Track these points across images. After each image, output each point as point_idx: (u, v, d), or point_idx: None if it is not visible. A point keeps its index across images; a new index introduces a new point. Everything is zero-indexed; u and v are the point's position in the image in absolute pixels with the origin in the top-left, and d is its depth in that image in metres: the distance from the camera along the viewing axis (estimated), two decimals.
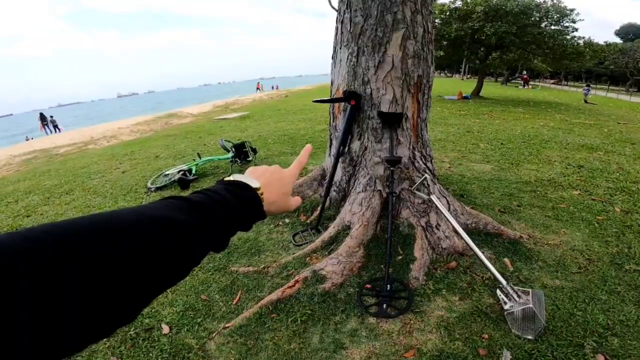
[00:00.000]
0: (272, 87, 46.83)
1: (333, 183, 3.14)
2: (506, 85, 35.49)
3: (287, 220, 3.37)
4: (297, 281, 2.40)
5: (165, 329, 2.20)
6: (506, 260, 2.55)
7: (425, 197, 2.49)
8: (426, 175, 2.52)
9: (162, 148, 7.60)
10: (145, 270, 0.33)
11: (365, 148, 2.79)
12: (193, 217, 0.40)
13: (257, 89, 36.68)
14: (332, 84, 3.07)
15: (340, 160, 2.96)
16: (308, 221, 3.27)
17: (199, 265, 2.85)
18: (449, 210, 2.76)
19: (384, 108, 2.64)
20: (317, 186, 3.48)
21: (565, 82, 47.31)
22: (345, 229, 2.74)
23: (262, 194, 0.51)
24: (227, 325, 2.17)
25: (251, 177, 0.53)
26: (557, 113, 11.49)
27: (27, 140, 15.81)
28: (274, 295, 2.32)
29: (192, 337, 2.11)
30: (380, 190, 2.75)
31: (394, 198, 2.58)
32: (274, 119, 10.30)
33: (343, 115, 2.83)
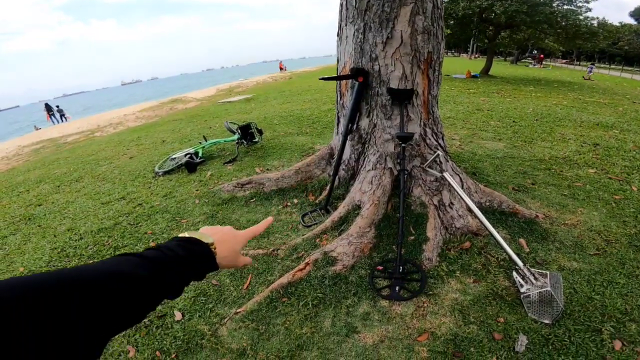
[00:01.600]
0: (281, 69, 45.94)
1: (342, 161, 3.07)
2: (516, 64, 34.58)
3: (295, 201, 3.32)
4: (307, 264, 2.37)
5: (178, 315, 2.20)
6: (522, 240, 2.48)
7: (438, 174, 2.41)
8: (438, 152, 2.44)
9: (168, 133, 7.55)
10: (104, 317, 0.39)
11: (375, 125, 2.70)
12: (148, 271, 0.46)
13: (280, 68, 35.59)
14: (338, 62, 2.97)
15: (348, 138, 2.88)
16: (317, 201, 3.22)
17: None
18: (462, 188, 2.68)
19: (393, 85, 2.54)
20: (325, 165, 3.41)
21: (578, 62, 45.89)
22: (356, 209, 2.68)
23: (214, 248, 0.58)
24: (238, 311, 2.15)
25: (205, 233, 0.60)
26: (570, 92, 11.14)
27: (35, 129, 15.83)
28: (284, 279, 2.29)
29: (205, 323, 2.10)
30: (390, 168, 2.67)
31: (405, 176, 2.51)
32: (278, 101, 10.14)
33: (350, 92, 2.73)
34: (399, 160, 2.53)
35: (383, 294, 2.15)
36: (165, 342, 2.01)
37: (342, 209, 2.72)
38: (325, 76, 2.70)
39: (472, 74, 15.82)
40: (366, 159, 2.81)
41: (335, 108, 3.13)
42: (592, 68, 21.78)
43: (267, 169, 4.27)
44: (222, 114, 9.04)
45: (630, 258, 2.33)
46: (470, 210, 2.21)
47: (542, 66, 32.60)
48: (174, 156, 4.97)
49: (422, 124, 2.68)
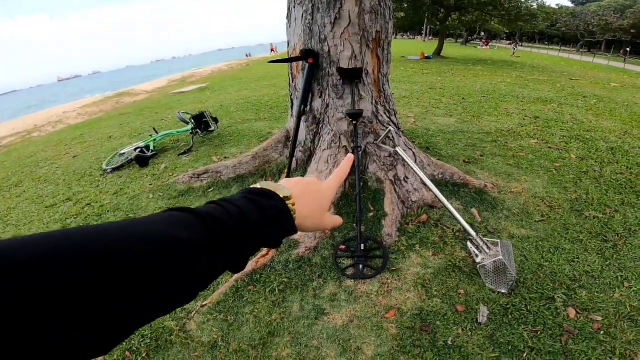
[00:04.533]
0: (246, 55, 45.02)
1: (298, 143, 3.05)
2: (466, 45, 36.23)
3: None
4: (269, 249, 2.34)
5: None
6: (474, 210, 2.62)
7: (391, 149, 2.46)
8: (390, 127, 2.48)
9: (115, 128, 7.05)
10: (132, 298, 0.28)
11: (327, 105, 2.70)
12: (201, 233, 0.33)
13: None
14: (288, 44, 2.92)
15: (303, 119, 2.85)
16: None
17: None
18: (415, 162, 2.77)
19: (344, 64, 2.54)
20: (282, 148, 3.37)
21: (520, 44, 48.83)
22: None
23: (293, 204, 0.43)
24: (204, 303, 2.09)
25: (282, 185, 0.45)
26: (513, 71, 11.90)
27: None
28: (248, 267, 2.25)
29: (171, 319, 2.02)
30: (345, 146, 2.70)
31: (359, 152, 2.53)
32: (235, 88, 9.82)
33: (302, 74, 2.70)
34: (352, 138, 2.55)
35: (348, 274, 2.17)
36: (133, 342, 1.91)
37: None
38: (276, 59, 2.63)
39: (425, 55, 16.37)
40: (321, 138, 2.81)
41: (289, 91, 3.08)
42: (515, 47, 25.98)
43: (225, 157, 4.14)
44: (174, 105, 8.59)
45: (573, 223, 2.51)
46: (424, 183, 2.27)
47: (488, 47, 34.66)
48: (123, 151, 4.66)
49: (373, 101, 2.72)
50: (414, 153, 2.83)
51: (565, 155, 3.62)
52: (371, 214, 2.53)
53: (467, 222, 2.40)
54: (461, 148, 3.87)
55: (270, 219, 0.40)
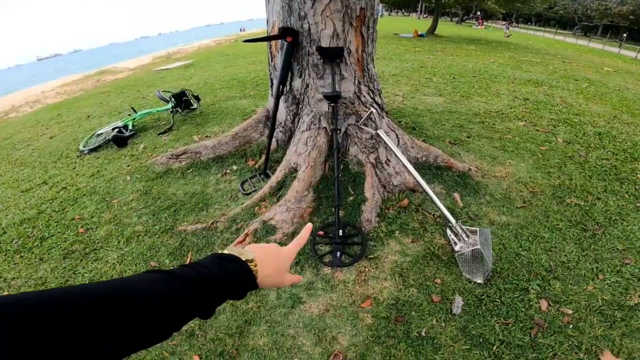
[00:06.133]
0: (240, 30, 43.84)
1: (278, 124, 2.95)
2: (460, 24, 35.55)
3: (234, 168, 3.16)
4: (247, 235, 2.28)
5: None
6: (456, 195, 2.57)
7: (373, 132, 2.37)
8: (372, 109, 2.38)
9: (94, 107, 6.76)
10: (120, 337, 0.36)
11: (307, 85, 2.57)
12: (173, 290, 0.43)
13: (241, 30, 34.61)
14: (267, 22, 2.75)
15: (282, 99, 2.74)
16: (256, 166, 3.09)
17: (145, 229, 2.65)
18: (397, 145, 2.69)
19: (324, 43, 2.40)
20: (262, 128, 3.26)
21: (516, 24, 48.01)
22: (293, 172, 2.60)
23: (255, 265, 0.53)
24: None
25: (246, 250, 0.55)
26: (506, 51, 11.68)
27: None
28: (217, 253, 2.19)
29: None
30: (325, 128, 2.59)
31: (339, 135, 2.45)
32: (221, 65, 9.46)
33: (281, 53, 2.55)
34: (332, 120, 2.45)
35: (325, 261, 2.13)
36: None
37: (279, 173, 2.63)
38: (252, 38, 2.47)
39: (419, 33, 16.02)
40: (300, 119, 2.70)
41: (268, 70, 2.93)
42: (507, 27, 25.67)
43: (207, 136, 4.01)
44: (157, 82, 8.27)
45: (554, 210, 2.48)
46: (406, 167, 2.21)
47: (483, 27, 34.12)
48: (100, 131, 4.48)
49: (356, 82, 2.59)
50: (397, 135, 2.74)
51: (552, 139, 3.58)
52: (351, 197, 2.47)
53: (448, 208, 2.37)
54: (448, 129, 3.80)
55: (234, 279, 0.50)
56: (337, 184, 2.19)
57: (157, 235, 2.57)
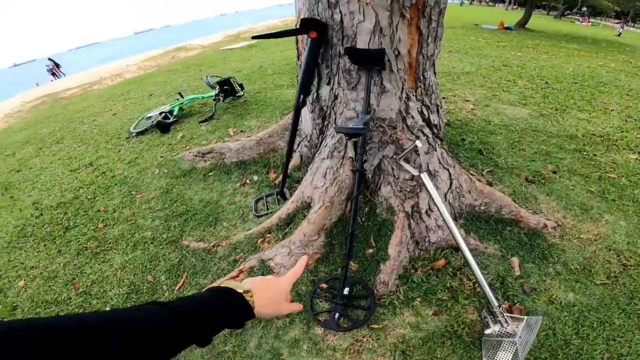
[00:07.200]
0: None
1: (304, 137, 2.54)
2: (560, 19, 29.81)
3: (255, 178, 2.87)
4: (241, 271, 1.97)
5: None
6: (514, 260, 1.92)
7: (415, 172, 1.81)
8: (418, 142, 1.78)
9: (159, 85, 6.98)
10: None
11: (336, 97, 2.04)
12: (171, 322, 0.47)
13: None
14: (296, 12, 2.23)
15: (309, 108, 2.29)
16: (277, 181, 2.74)
17: (153, 237, 2.48)
18: (449, 188, 2.08)
19: (362, 41, 1.80)
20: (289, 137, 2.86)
21: (632, 24, 38.55)
22: (305, 207, 2.16)
23: (251, 296, 0.58)
24: None
25: (243, 282, 0.61)
26: (620, 53, 9.27)
27: (37, 86, 14.97)
28: (214, 285, 1.93)
29: None
30: (352, 158, 2.05)
31: (368, 172, 1.94)
32: (281, 47, 9.09)
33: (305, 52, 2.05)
34: (357, 154, 1.93)
35: (320, 320, 1.75)
36: None
37: (290, 204, 2.21)
38: (263, 33, 1.99)
39: (505, 25, 13.63)
40: (324, 141, 2.19)
41: (297, 70, 2.46)
42: (622, 26, 22.10)
43: (241, 131, 3.76)
44: (220, 62, 8.29)
45: None
46: (446, 223, 1.63)
47: (589, 24, 28.29)
48: (149, 115, 4.53)
49: (403, 96, 1.97)
50: (450, 175, 2.09)
51: None
52: (370, 250, 1.97)
53: (499, 276, 1.81)
54: (528, 156, 2.92)
55: (229, 310, 0.55)
56: (350, 240, 1.72)
57: (161, 246, 2.46)
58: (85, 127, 5.20)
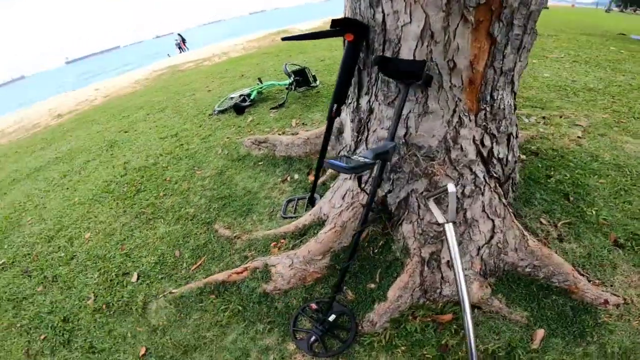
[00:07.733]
0: None
1: (345, 146, 2.44)
2: None
3: (296, 177, 2.89)
4: (246, 269, 2.04)
5: (134, 277, 2.32)
6: (540, 331, 1.52)
7: (440, 219, 1.53)
8: (449, 186, 1.38)
9: (251, 66, 7.46)
10: None
11: (371, 111, 1.83)
12: None
13: None
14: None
15: (349, 116, 2.13)
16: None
17: (194, 214, 2.74)
18: (487, 242, 1.73)
19: (407, 49, 1.51)
20: (334, 141, 2.74)
21: None
22: (320, 224, 2.07)
23: None
24: (173, 291, 2.13)
25: None
26: None
27: (168, 56, 17.35)
28: (220, 276, 2.08)
29: (145, 294, 2.18)
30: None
31: (374, 214, 1.75)
32: None
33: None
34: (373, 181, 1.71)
35: (296, 337, 1.73)
36: (114, 297, 2.21)
37: (308, 216, 2.15)
38: (295, 34, 1.87)
39: None
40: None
41: None
42: None
43: (303, 123, 3.80)
44: (309, 49, 8.39)
45: None
46: (456, 277, 1.37)
47: None
48: (232, 95, 4.88)
49: (454, 120, 1.63)
50: (493, 226, 1.69)
51: None
52: (373, 285, 1.79)
53: (510, 344, 1.55)
54: (633, 212, 2.11)
55: None
56: (342, 274, 1.59)
57: (197, 225, 2.66)
58: (184, 99, 5.89)
